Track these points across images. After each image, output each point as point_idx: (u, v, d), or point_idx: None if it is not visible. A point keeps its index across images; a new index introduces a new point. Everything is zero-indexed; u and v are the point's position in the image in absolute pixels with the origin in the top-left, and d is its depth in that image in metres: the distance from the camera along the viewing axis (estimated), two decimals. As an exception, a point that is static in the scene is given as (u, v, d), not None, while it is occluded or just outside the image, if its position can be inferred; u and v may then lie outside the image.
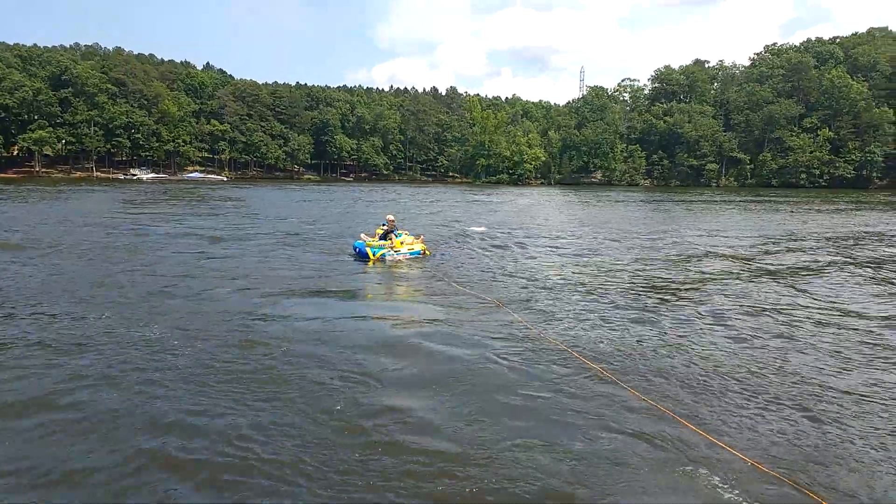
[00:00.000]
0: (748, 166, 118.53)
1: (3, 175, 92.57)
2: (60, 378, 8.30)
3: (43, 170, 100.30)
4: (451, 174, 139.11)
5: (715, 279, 17.07)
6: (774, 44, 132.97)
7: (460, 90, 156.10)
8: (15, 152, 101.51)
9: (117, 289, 13.88)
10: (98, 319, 11.24)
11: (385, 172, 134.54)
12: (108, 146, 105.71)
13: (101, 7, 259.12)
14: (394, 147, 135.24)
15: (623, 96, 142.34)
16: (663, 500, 5.75)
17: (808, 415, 7.54)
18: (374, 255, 18.82)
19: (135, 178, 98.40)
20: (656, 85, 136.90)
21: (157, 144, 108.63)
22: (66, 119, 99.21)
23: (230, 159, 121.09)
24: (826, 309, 13.39)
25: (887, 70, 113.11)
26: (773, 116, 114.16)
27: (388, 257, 18.89)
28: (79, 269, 16.63)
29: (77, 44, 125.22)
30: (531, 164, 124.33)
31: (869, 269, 19.10)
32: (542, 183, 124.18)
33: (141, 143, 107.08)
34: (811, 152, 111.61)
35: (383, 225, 20.47)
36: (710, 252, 22.69)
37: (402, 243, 19.51)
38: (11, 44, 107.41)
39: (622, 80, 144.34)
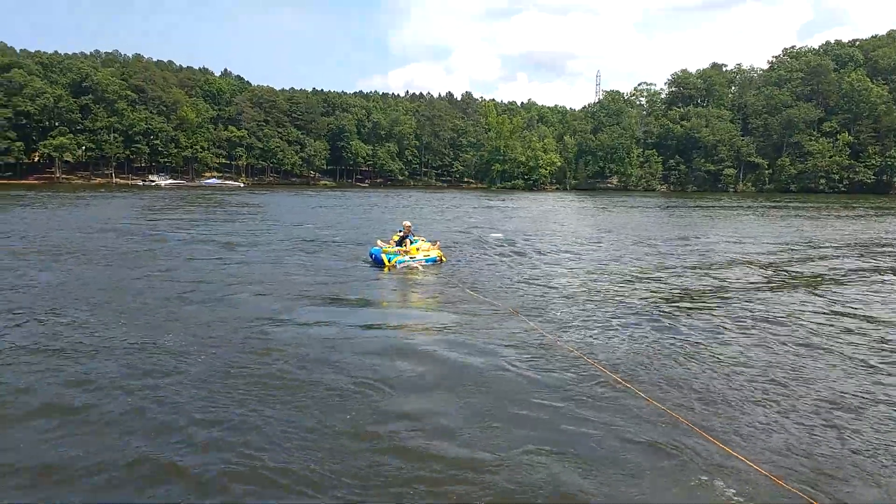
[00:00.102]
0: (766, 171, 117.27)
1: (24, 181, 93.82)
2: (73, 382, 8.39)
3: (63, 176, 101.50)
4: (466, 180, 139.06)
5: (733, 287, 16.93)
6: (793, 47, 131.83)
7: (476, 95, 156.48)
8: (36, 159, 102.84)
9: (134, 294, 14.02)
10: (114, 325, 11.36)
11: (400, 178, 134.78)
12: (128, 152, 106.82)
13: (122, 15, 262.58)
14: (409, 153, 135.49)
15: (639, 101, 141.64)
16: (678, 512, 5.71)
17: (827, 426, 7.45)
18: (389, 261, 18.84)
19: (153, 184, 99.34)
20: (673, 89, 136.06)
21: (175, 151, 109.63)
22: (87, 126, 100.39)
23: (247, 165, 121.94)
24: (847, 318, 13.23)
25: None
26: (791, 120, 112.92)
27: (403, 263, 18.90)
28: (96, 274, 16.82)
29: (97, 51, 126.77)
30: (547, 169, 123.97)
31: (891, 276, 18.86)
32: (557, 188, 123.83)
33: (160, 149, 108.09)
34: (830, 157, 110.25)
35: (399, 231, 20.49)
36: (728, 259, 22.51)
37: (417, 249, 19.52)
38: (33, 51, 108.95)
39: (638, 85, 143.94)
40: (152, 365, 9.10)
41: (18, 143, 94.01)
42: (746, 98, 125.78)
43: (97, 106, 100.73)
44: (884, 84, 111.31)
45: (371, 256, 19.71)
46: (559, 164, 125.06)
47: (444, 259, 19.91)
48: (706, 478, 6.18)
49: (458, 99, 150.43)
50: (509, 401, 8.08)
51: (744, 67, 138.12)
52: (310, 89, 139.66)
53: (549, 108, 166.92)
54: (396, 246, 19.63)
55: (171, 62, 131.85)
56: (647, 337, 11.33)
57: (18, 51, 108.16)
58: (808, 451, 6.78)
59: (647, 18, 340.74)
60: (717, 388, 8.68)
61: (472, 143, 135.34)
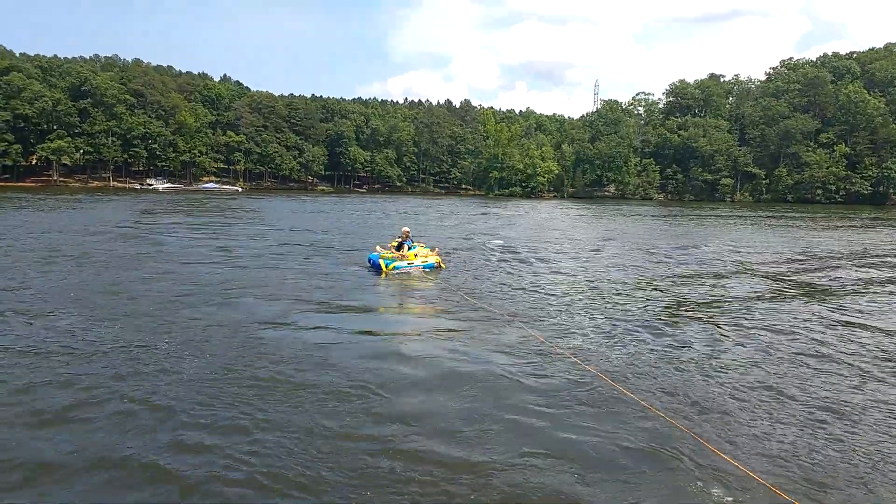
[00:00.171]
0: (763, 181, 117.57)
1: (21, 184, 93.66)
2: (67, 384, 8.35)
3: (60, 179, 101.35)
4: (463, 186, 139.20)
5: (731, 295, 16.95)
6: (790, 58, 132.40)
7: (474, 103, 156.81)
8: (34, 161, 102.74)
9: (130, 298, 13.98)
10: (109, 328, 11.32)
11: (398, 184, 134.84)
12: (126, 156, 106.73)
13: (121, 19, 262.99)
14: (407, 159, 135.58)
15: (637, 110, 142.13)
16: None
17: (823, 434, 7.44)
18: (386, 266, 18.83)
19: (150, 188, 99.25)
20: (671, 99, 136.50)
21: (173, 155, 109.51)
22: (85, 129, 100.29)
23: (245, 170, 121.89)
24: (845, 327, 13.23)
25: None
26: (788, 131, 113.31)
27: (400, 269, 18.89)
28: (92, 277, 16.77)
29: (97, 55, 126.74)
30: (544, 177, 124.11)
31: (890, 287, 18.89)
32: (554, 196, 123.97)
33: (157, 153, 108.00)
34: (827, 168, 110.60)
35: (399, 237, 20.49)
36: (726, 268, 22.54)
37: (415, 255, 19.51)
38: (32, 54, 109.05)
39: (636, 94, 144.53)
40: (147, 367, 9.07)
41: (16, 146, 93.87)
42: (744, 109, 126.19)
43: (96, 110, 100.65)
44: (881, 96, 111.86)
45: (370, 262, 19.71)
46: (557, 172, 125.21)
47: (442, 265, 19.89)
48: (702, 484, 6.17)
49: (457, 106, 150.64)
50: (506, 406, 8.06)
51: (741, 78, 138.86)
52: (309, 95, 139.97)
53: (547, 116, 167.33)
54: (395, 251, 19.64)
55: (170, 67, 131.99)
56: (644, 344, 11.33)
57: (18, 54, 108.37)
58: (805, 458, 6.77)
59: (645, 29, 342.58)
60: (714, 395, 8.68)
61: (471, 151, 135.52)
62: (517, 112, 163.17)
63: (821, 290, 18.18)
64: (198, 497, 5.77)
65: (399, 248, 19.76)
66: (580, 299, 15.63)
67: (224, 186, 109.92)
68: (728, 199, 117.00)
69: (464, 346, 10.99)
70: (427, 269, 19.27)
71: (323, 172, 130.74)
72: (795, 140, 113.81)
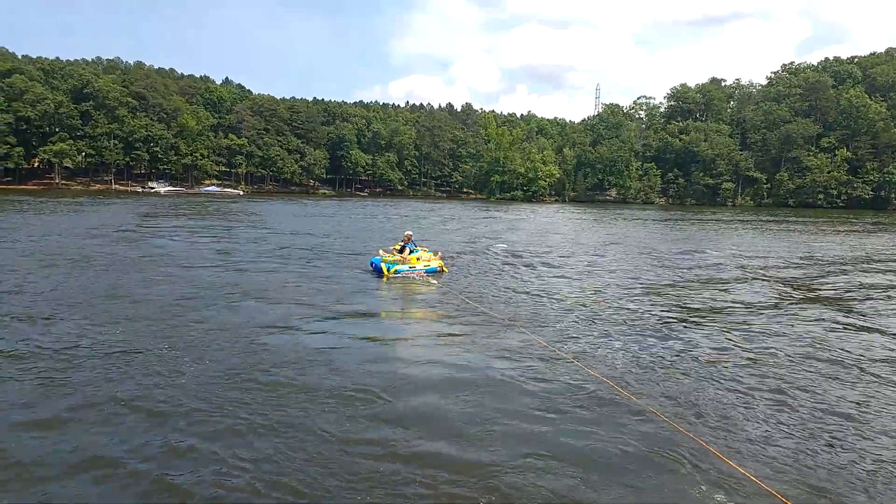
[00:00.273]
0: (765, 186, 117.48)
1: (23, 187, 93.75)
2: (65, 387, 8.34)
3: (62, 182, 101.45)
4: (465, 190, 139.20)
5: (734, 300, 16.93)
6: (791, 63, 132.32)
7: (475, 106, 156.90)
8: (35, 164, 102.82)
9: (130, 301, 13.98)
10: (109, 331, 11.33)
11: (399, 188, 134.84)
12: (128, 159, 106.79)
13: (123, 22, 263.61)
14: (408, 162, 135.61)
15: (639, 114, 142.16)
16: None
17: (826, 439, 7.43)
18: (387, 270, 18.83)
19: (152, 191, 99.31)
20: (672, 103, 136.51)
21: (175, 158, 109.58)
22: (87, 132, 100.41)
23: (247, 173, 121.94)
24: (851, 332, 13.22)
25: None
26: (790, 136, 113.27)
27: (402, 273, 18.88)
28: (93, 280, 16.78)
29: (99, 58, 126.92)
30: (546, 181, 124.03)
31: (892, 292, 18.86)
32: (556, 200, 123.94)
33: (159, 156, 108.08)
34: (829, 172, 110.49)
35: (401, 240, 20.50)
36: (729, 272, 22.53)
37: (417, 259, 19.50)
38: (34, 57, 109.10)
39: (638, 98, 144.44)
40: (147, 371, 9.07)
41: (18, 149, 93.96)
42: (745, 113, 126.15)
43: (98, 112, 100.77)
44: (882, 101, 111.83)
45: (372, 266, 19.70)
46: (558, 175, 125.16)
47: (445, 270, 19.86)
48: (705, 488, 6.16)
49: (458, 110, 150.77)
50: (508, 409, 8.05)
51: (742, 83, 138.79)
52: (310, 98, 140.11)
53: (548, 120, 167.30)
54: (398, 255, 19.64)
55: (172, 70, 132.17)
56: (647, 348, 11.32)
57: (20, 56, 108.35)
58: (808, 463, 6.76)
59: (646, 33, 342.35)
60: (717, 399, 8.67)
61: (472, 154, 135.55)
62: (518, 116, 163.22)
63: (824, 295, 18.16)
64: (199, 500, 5.75)
65: (401, 251, 19.76)
66: (583, 304, 15.62)
67: (226, 189, 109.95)
68: (729, 204, 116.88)
69: (466, 350, 10.98)
70: (429, 274, 19.25)
71: (324, 176, 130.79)
72: (797, 144, 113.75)
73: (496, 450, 6.87)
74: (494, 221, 52.59)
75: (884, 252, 31.47)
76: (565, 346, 11.24)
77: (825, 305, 16.24)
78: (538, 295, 16.65)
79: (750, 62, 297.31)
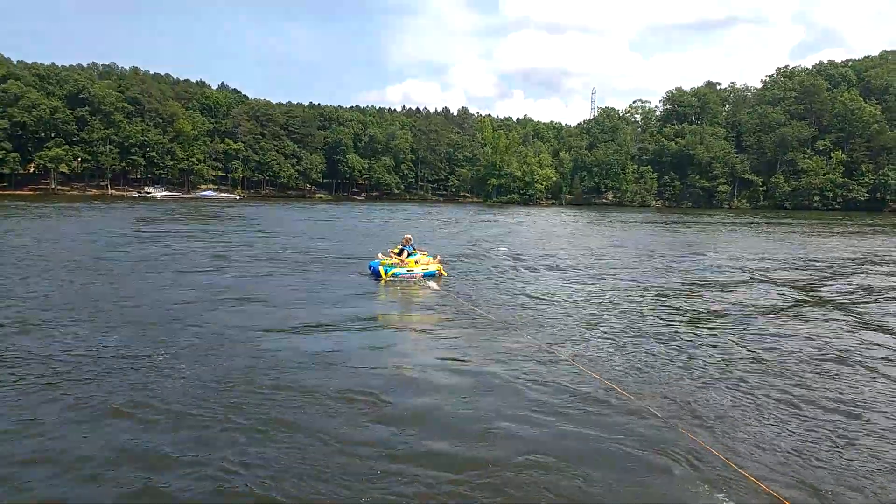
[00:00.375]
0: (760, 188, 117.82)
1: (18, 192, 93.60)
2: (56, 392, 8.26)
3: (58, 187, 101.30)
4: (462, 194, 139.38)
5: (733, 301, 16.94)
6: (786, 66, 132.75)
7: (472, 111, 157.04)
8: (31, 170, 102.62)
9: (126, 308, 13.91)
10: (103, 337, 11.26)
11: (396, 192, 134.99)
12: (124, 164, 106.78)
13: (119, 27, 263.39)
14: (405, 167, 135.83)
15: (634, 118, 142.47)
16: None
17: (828, 440, 7.42)
18: (385, 273, 18.81)
19: (148, 196, 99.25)
20: (668, 107, 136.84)
21: (171, 163, 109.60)
22: (83, 137, 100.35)
23: (243, 178, 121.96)
24: (853, 333, 13.23)
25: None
26: (785, 138, 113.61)
27: (399, 276, 18.86)
28: (89, 286, 16.71)
29: (94, 63, 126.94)
30: (542, 184, 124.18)
31: (893, 294, 18.90)
32: (552, 203, 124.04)
33: (156, 161, 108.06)
34: (824, 175, 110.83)
35: (400, 244, 20.49)
36: (728, 275, 22.55)
37: (416, 262, 19.47)
38: (30, 63, 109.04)
39: (634, 102, 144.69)
40: (142, 376, 9.01)
41: (14, 154, 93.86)
42: (740, 116, 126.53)
43: (93, 118, 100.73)
44: (876, 103, 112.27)
45: (370, 269, 19.67)
46: (555, 179, 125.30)
47: (444, 273, 19.82)
48: (705, 489, 6.14)
49: (455, 114, 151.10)
50: (507, 411, 8.02)
51: (738, 86, 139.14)
52: (306, 103, 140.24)
53: (544, 124, 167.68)
54: (396, 257, 19.63)
55: (168, 75, 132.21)
56: (647, 350, 11.31)
57: (15, 62, 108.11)
58: (808, 464, 6.74)
59: (642, 37, 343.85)
60: (716, 400, 8.66)
61: (468, 158, 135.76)
62: (515, 120, 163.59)
63: (824, 296, 18.18)
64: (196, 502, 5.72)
65: (399, 254, 19.75)
66: (581, 306, 15.62)
67: (222, 194, 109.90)
68: (725, 206, 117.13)
69: (464, 352, 10.96)
70: (427, 277, 19.21)
71: (321, 180, 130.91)
72: (792, 147, 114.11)
73: (495, 451, 6.85)
74: (491, 225, 52.62)
75: (882, 254, 31.53)
76: (564, 349, 11.22)
77: (825, 307, 16.26)
78: (537, 297, 16.64)
79: (745, 66, 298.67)
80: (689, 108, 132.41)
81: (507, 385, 9.10)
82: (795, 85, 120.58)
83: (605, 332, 12.66)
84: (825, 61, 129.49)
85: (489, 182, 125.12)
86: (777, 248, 33.67)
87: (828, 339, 12.39)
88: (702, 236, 43.60)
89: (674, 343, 11.85)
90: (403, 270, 19.07)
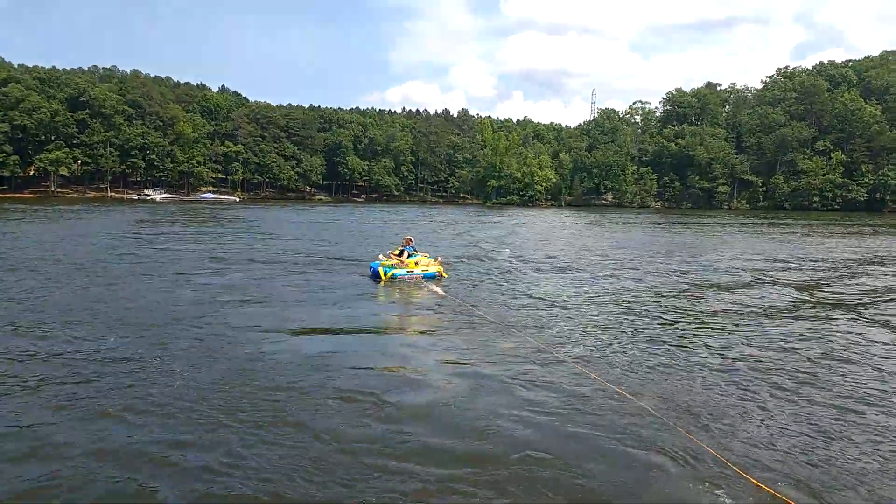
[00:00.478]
0: (760, 189, 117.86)
1: (19, 195, 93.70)
2: (52, 398, 8.19)
3: (58, 190, 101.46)
4: (462, 195, 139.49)
5: (736, 302, 16.93)
6: (786, 67, 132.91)
7: (472, 112, 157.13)
8: (31, 172, 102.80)
9: (124, 309, 13.88)
10: (100, 339, 11.23)
11: (396, 193, 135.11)
12: (124, 167, 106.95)
13: (120, 31, 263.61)
14: (405, 168, 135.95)
15: (634, 119, 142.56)
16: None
17: (826, 439, 7.40)
18: (385, 274, 18.80)
19: (148, 198, 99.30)
20: (668, 108, 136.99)
21: (171, 165, 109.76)
22: (83, 140, 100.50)
23: (243, 180, 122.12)
24: (856, 331, 13.21)
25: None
26: (785, 139, 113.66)
27: (399, 277, 18.86)
28: (87, 288, 16.67)
29: (95, 66, 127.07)
30: (542, 185, 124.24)
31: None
32: (552, 204, 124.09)
33: (156, 163, 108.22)
34: (824, 175, 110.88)
35: (401, 245, 20.49)
36: (729, 276, 22.55)
37: (416, 264, 19.46)
38: (31, 66, 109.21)
39: (633, 103, 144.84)
40: (138, 378, 8.97)
41: (14, 157, 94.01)
42: (740, 117, 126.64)
43: (94, 121, 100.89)
44: (877, 104, 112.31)
45: (371, 270, 19.66)
46: (554, 180, 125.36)
47: (444, 275, 19.77)
48: (704, 488, 6.13)
49: (455, 116, 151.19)
50: (506, 410, 8.01)
51: (738, 87, 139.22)
52: (307, 105, 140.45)
53: (544, 125, 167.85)
54: (396, 258, 19.63)
55: (168, 78, 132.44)
56: (647, 351, 11.30)
57: (16, 65, 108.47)
58: (806, 463, 6.73)
59: (642, 38, 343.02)
60: (716, 400, 8.66)
61: (468, 160, 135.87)
62: (514, 121, 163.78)
63: (826, 296, 18.17)
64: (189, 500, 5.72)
65: (400, 255, 19.74)
66: (581, 307, 15.61)
67: (222, 196, 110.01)
68: (725, 207, 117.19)
69: (464, 353, 10.95)
70: (428, 279, 19.19)
71: (321, 182, 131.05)
72: (792, 148, 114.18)
73: (494, 450, 6.84)
74: (491, 226, 52.62)
75: (882, 254, 31.53)
76: (565, 349, 11.21)
77: (825, 307, 16.26)
78: (536, 298, 16.63)
79: (745, 67, 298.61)
80: (689, 108, 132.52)
81: (506, 385, 9.09)
82: (796, 85, 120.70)
83: (605, 333, 12.65)
84: (825, 62, 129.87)
85: (489, 183, 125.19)
86: (777, 249, 33.65)
87: (827, 339, 12.38)
88: (701, 237, 43.61)
89: (673, 343, 11.84)
90: (403, 272, 19.06)
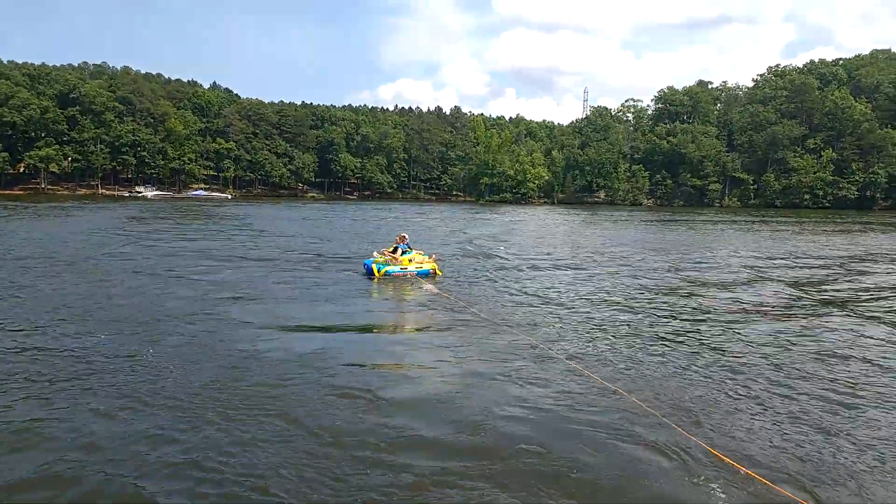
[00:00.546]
0: (751, 187, 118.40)
1: (8, 192, 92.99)
2: (40, 398, 8.12)
3: (48, 187, 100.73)
4: (454, 193, 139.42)
5: (731, 299, 17.03)
6: (777, 65, 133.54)
7: (464, 110, 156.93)
8: (21, 169, 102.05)
9: (113, 308, 13.77)
10: (89, 337, 11.12)
11: (389, 191, 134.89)
12: (114, 164, 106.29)
13: (110, 27, 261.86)
14: (397, 166, 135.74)
15: (627, 116, 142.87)
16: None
17: (820, 433, 7.45)
18: (377, 271, 18.80)
19: (139, 195, 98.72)
20: (660, 105, 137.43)
21: (162, 162, 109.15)
22: (73, 137, 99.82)
23: (235, 177, 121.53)
24: (854, 329, 13.30)
25: (891, 92, 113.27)
26: (776, 137, 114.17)
27: (392, 274, 18.85)
28: (76, 286, 16.53)
29: (85, 63, 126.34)
30: (534, 183, 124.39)
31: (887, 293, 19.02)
32: (545, 202, 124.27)
33: (146, 160, 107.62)
34: (815, 173, 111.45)
35: (395, 242, 20.47)
36: (723, 272, 22.66)
37: (410, 261, 19.44)
38: (20, 62, 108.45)
39: (626, 101, 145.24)
40: (127, 378, 8.89)
41: (3, 154, 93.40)
42: (732, 115, 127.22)
43: (84, 117, 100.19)
44: (867, 102, 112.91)
45: (365, 268, 19.63)
46: (547, 178, 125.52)
47: (439, 272, 19.74)
48: (698, 481, 6.16)
49: (447, 113, 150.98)
50: (501, 407, 8.02)
51: (729, 85, 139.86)
52: (299, 102, 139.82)
53: (537, 123, 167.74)
54: (390, 255, 19.62)
55: (159, 74, 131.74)
56: (641, 348, 11.34)
57: (5, 62, 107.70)
58: (801, 456, 6.77)
59: (634, 36, 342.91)
60: (710, 396, 8.70)
61: (461, 157, 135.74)
62: (507, 119, 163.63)
63: (819, 293, 18.28)
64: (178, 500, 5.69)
65: (394, 252, 19.73)
66: (575, 305, 15.64)
67: (213, 193, 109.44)
68: (716, 205, 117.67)
69: (458, 351, 10.95)
70: (422, 276, 19.17)
71: (313, 179, 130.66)
72: (783, 146, 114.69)
73: (488, 446, 6.85)
74: (485, 223, 52.66)
75: (873, 251, 31.73)
76: (559, 347, 11.23)
77: (820, 303, 16.36)
78: (530, 296, 16.66)
79: (736, 65, 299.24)
80: (680, 106, 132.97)
81: (500, 382, 9.10)
82: (786, 84, 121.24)
83: (598, 330, 12.69)
84: (816, 60, 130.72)
85: (481, 181, 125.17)
86: (769, 246, 33.84)
87: (820, 335, 12.46)
88: (693, 234, 43.78)
89: (666, 340, 11.89)
90: (397, 268, 19.05)
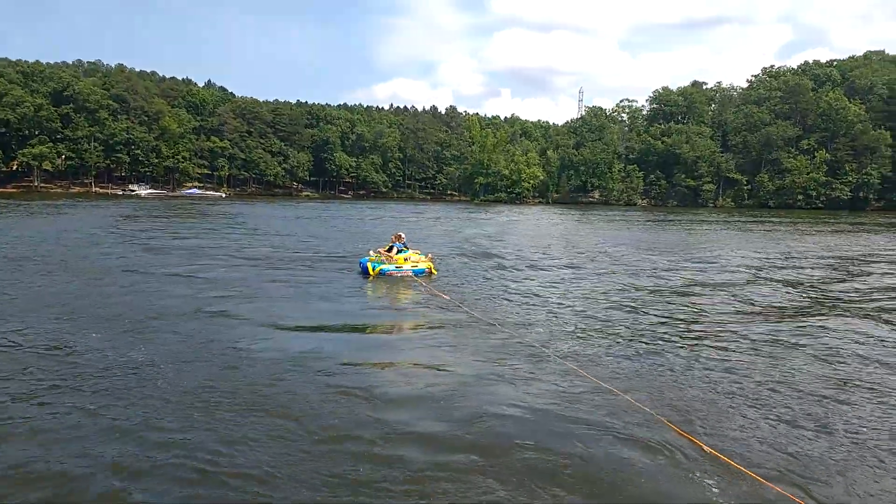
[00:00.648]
0: (745, 187, 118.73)
1: (1, 190, 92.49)
2: (31, 393, 8.10)
3: (42, 185, 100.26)
4: (449, 192, 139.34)
5: (728, 299, 17.06)
6: (772, 66, 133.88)
7: (460, 109, 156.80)
8: (14, 167, 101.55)
9: (105, 307, 13.68)
10: (82, 337, 11.05)
11: (384, 190, 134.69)
12: (108, 162, 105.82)
13: (104, 25, 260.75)
14: (393, 165, 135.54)
15: (621, 117, 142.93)
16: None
17: (815, 430, 7.49)
18: (373, 270, 18.78)
19: (133, 193, 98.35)
20: (654, 106, 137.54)
21: (156, 160, 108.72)
22: (67, 134, 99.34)
23: (229, 176, 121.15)
24: (853, 328, 13.32)
25: (884, 93, 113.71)
26: (770, 138, 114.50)
27: (387, 272, 18.84)
28: (67, 284, 16.44)
29: (80, 60, 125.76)
30: (529, 182, 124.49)
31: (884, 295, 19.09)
32: (539, 202, 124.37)
33: (140, 158, 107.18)
34: (808, 174, 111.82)
35: (391, 242, 20.46)
36: (718, 272, 22.70)
37: (405, 260, 19.42)
38: (14, 59, 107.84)
39: (620, 101, 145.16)
40: (119, 378, 8.84)
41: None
42: (726, 115, 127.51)
43: (78, 115, 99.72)
44: (861, 103, 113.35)
45: (360, 266, 19.61)
46: (542, 177, 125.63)
47: (434, 272, 19.72)
48: (693, 478, 6.18)
49: (443, 112, 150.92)
50: (495, 406, 8.02)
51: (724, 86, 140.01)
52: (294, 101, 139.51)
53: (532, 122, 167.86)
54: (385, 254, 19.61)
55: (153, 72, 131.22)
56: (636, 347, 11.37)
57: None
58: (794, 453, 6.80)
59: (629, 37, 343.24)
60: (704, 395, 8.73)
61: (456, 157, 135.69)
62: (502, 118, 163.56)
63: (814, 292, 18.34)
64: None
65: (389, 251, 19.72)
66: (570, 304, 15.67)
67: (208, 192, 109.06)
68: (710, 205, 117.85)
69: (452, 350, 10.96)
70: (417, 275, 19.15)
71: (308, 178, 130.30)
72: (777, 146, 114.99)
73: (482, 443, 6.86)
74: (480, 223, 52.67)
75: (868, 252, 31.86)
76: (553, 346, 11.24)
77: (814, 302, 16.41)
78: (525, 296, 16.67)
79: (731, 66, 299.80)
80: (675, 107, 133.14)
81: (494, 381, 9.11)
82: (781, 85, 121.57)
83: (593, 330, 12.71)
84: (810, 61, 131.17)
85: (477, 181, 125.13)
86: (763, 246, 33.93)
87: (815, 334, 12.50)
88: (688, 234, 43.88)
89: (661, 340, 11.92)
90: (392, 267, 19.04)
